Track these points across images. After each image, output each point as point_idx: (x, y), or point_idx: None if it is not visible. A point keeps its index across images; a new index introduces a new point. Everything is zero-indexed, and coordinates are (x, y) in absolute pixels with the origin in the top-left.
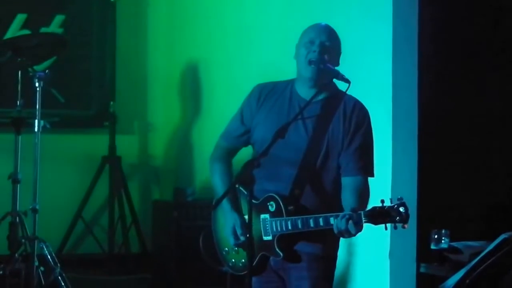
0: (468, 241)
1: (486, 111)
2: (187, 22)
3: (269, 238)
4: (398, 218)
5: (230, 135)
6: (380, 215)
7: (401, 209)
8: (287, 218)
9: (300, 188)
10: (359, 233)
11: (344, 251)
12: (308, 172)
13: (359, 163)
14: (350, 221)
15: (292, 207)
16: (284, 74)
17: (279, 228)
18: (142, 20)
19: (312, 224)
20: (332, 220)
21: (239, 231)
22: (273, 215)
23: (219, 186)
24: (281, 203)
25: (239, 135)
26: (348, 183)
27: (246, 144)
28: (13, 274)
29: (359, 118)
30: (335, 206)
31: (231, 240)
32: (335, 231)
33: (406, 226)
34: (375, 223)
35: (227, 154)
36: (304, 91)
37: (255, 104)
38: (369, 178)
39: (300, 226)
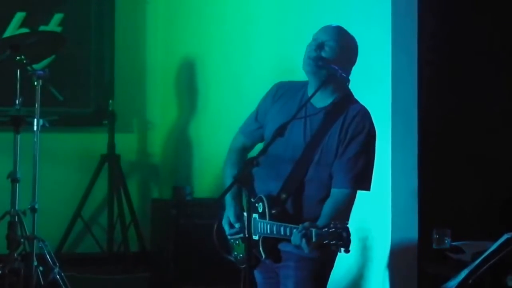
0: (470, 240)
1: (487, 109)
2: (185, 20)
3: (256, 237)
4: (340, 242)
5: (246, 129)
6: (327, 237)
7: (344, 234)
8: (268, 221)
9: (287, 192)
10: (369, 237)
11: (357, 256)
12: (297, 177)
13: (349, 174)
14: (303, 239)
15: (275, 211)
16: (285, 73)
17: (263, 230)
18: (141, 18)
19: (282, 233)
20: (288, 231)
21: (232, 220)
22: (260, 216)
23: (227, 177)
24: (266, 206)
25: (254, 130)
26: (332, 194)
27: (261, 139)
28: (12, 273)
29: (358, 128)
30: (319, 215)
31: (226, 230)
32: (292, 243)
33: (347, 251)
34: (320, 246)
35: (242, 152)
36: (311, 91)
37: (270, 101)
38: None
39: (275, 232)
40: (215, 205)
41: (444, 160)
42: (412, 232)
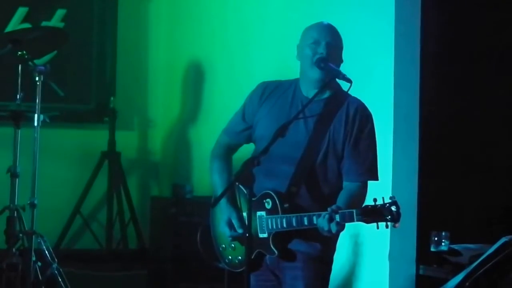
0: (468, 243)
1: (487, 113)
2: (188, 18)
3: (265, 235)
4: (389, 217)
5: (231, 131)
6: (371, 214)
7: (393, 208)
8: (282, 215)
9: (297, 185)
10: (361, 234)
11: (349, 252)
12: (306, 170)
13: (361, 168)
14: (334, 222)
15: (287, 205)
16: (286, 73)
17: (274, 226)
18: (144, 15)
19: (306, 222)
20: (315, 220)
21: (236, 224)
22: (269, 212)
23: (218, 184)
24: (277, 201)
25: (240, 131)
26: (346, 186)
27: (247, 140)
28: (10, 268)
29: (362, 121)
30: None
31: (226, 232)
32: (319, 229)
33: (397, 225)
34: (367, 222)
35: (227, 150)
36: (308, 90)
37: (257, 101)
38: (370, 181)
39: (294, 224)
40: (215, 204)
41: (444, 163)
42: (410, 234)
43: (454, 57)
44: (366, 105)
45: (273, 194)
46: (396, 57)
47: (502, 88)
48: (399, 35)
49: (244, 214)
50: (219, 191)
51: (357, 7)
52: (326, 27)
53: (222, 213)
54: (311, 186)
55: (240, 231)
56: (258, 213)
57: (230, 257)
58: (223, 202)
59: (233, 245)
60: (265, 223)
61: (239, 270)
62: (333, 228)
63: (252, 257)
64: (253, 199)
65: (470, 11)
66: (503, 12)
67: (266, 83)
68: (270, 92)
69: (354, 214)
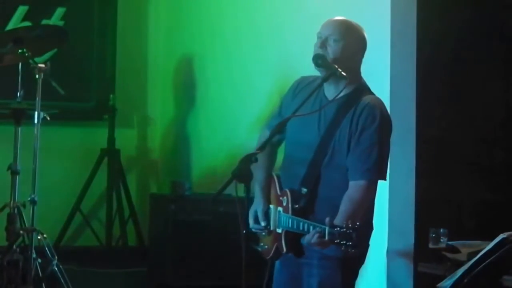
0: (466, 240)
1: (484, 110)
2: (187, 17)
3: (280, 230)
4: (349, 243)
5: (270, 124)
6: (337, 237)
7: (353, 235)
8: (290, 216)
9: (307, 187)
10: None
11: None
12: (315, 172)
13: (363, 166)
14: (316, 236)
15: (297, 205)
16: (285, 72)
17: (285, 224)
18: (143, 13)
19: (300, 228)
20: (311, 229)
21: (260, 217)
22: (284, 210)
23: (258, 178)
24: (289, 200)
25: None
26: (349, 187)
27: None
28: (10, 265)
29: (368, 119)
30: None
31: (250, 222)
32: (303, 242)
33: (353, 251)
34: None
35: (268, 146)
36: (327, 87)
37: (291, 95)
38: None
39: (295, 226)
40: (214, 201)
41: (441, 160)
42: (408, 231)
43: (451, 57)
44: (380, 101)
45: (288, 193)
46: (392, 57)
47: (500, 87)
48: (395, 35)
49: (271, 206)
50: (256, 186)
51: (354, 7)
52: (329, 22)
53: (253, 203)
54: (319, 188)
55: (262, 223)
56: (279, 208)
57: (262, 243)
58: (258, 194)
59: (263, 233)
60: (281, 219)
61: (266, 258)
62: (315, 243)
63: (272, 251)
64: (279, 193)
65: (468, 10)
66: (501, 10)
67: (302, 78)
68: (302, 87)
69: (326, 232)
